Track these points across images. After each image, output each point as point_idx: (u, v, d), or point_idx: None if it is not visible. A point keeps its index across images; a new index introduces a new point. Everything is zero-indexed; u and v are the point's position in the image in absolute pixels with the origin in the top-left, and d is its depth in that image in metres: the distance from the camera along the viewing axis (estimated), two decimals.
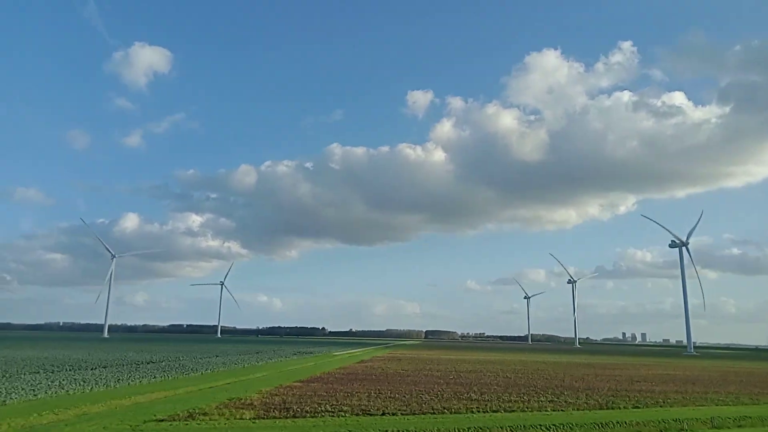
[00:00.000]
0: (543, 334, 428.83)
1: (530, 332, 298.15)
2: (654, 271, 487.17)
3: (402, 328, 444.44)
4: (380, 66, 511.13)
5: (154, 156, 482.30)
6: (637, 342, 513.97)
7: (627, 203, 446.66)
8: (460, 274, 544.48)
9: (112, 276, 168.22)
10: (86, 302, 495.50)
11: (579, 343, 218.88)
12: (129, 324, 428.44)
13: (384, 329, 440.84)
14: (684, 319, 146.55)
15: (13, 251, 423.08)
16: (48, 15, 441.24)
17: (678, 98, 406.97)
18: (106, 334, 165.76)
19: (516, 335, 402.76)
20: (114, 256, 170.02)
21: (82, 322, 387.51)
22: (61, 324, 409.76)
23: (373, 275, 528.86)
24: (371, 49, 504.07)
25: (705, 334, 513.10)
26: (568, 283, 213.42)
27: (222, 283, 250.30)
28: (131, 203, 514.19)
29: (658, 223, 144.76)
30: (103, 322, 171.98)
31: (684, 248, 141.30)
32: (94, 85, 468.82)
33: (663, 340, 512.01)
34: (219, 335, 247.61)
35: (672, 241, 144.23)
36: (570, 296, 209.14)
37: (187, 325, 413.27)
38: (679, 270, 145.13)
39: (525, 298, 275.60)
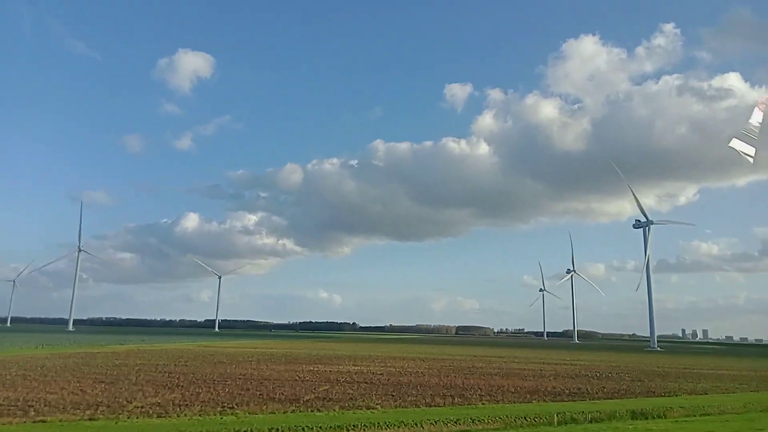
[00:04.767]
0: (586, 331, 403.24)
1: (545, 328, 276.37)
2: (721, 264, 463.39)
3: (432, 324, 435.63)
4: (415, 60, 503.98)
5: (205, 157, 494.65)
6: (698, 339, 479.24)
7: (687, 193, 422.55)
8: (516, 269, 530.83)
9: (77, 269, 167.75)
10: (154, 299, 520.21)
11: (582, 338, 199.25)
12: (167, 319, 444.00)
13: (413, 324, 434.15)
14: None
15: (87, 251, 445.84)
16: (96, 26, 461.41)
17: (730, 80, 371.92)
18: (71, 327, 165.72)
19: (564, 330, 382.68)
20: (80, 251, 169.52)
21: (143, 317, 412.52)
22: (104, 318, 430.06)
23: (428, 271, 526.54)
24: (406, 44, 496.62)
25: None
26: (567, 272, 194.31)
27: (220, 277, 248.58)
28: (188, 203, 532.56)
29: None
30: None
31: (647, 229, 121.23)
32: (143, 92, 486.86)
33: (726, 337, 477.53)
34: (217, 329, 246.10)
35: (636, 221, 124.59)
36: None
37: (222, 320, 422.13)
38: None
39: (540, 291, 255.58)
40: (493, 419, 19.66)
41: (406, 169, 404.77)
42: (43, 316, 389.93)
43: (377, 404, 22.57)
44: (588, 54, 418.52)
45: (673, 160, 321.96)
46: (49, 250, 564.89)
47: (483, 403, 23.71)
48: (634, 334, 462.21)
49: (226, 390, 25.85)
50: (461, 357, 61.65)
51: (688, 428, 16.52)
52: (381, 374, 36.29)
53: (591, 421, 19.76)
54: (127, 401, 21.59)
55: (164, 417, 18.68)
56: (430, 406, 22.57)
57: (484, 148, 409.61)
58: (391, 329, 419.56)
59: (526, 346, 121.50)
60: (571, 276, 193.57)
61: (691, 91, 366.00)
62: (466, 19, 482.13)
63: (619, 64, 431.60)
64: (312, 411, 20.60)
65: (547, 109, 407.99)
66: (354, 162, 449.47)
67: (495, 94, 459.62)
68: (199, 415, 19.17)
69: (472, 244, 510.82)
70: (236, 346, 74.93)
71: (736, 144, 61.29)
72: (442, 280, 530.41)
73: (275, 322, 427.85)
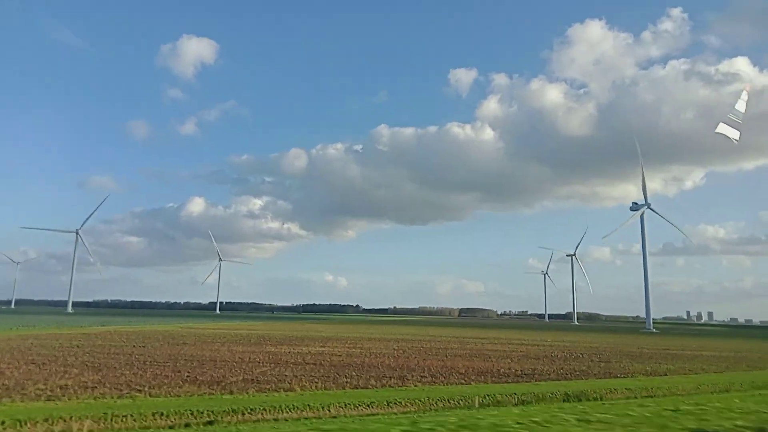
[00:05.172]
0: (589, 313, 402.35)
1: (547, 310, 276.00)
2: (728, 248, 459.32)
3: (435, 306, 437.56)
4: (420, 45, 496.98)
5: (209, 142, 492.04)
6: (702, 321, 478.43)
7: (694, 177, 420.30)
8: (521, 252, 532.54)
9: (76, 252, 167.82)
10: (161, 282, 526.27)
11: (584, 320, 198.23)
12: (172, 301, 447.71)
13: (417, 307, 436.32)
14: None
15: (95, 235, 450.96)
16: (99, 13, 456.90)
17: (738, 64, 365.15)
18: (70, 309, 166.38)
19: (567, 312, 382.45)
20: (78, 235, 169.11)
21: (148, 300, 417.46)
22: (109, 301, 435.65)
23: (433, 255, 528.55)
24: (410, 28, 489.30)
25: None
26: (567, 256, 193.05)
27: (220, 260, 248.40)
28: (194, 188, 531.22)
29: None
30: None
31: (644, 213, 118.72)
32: (148, 78, 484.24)
33: (730, 319, 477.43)
34: (218, 311, 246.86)
35: (633, 203, 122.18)
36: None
37: (226, 303, 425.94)
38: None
39: (542, 273, 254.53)
40: (412, 402, 18.36)
41: (410, 153, 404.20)
42: (49, 299, 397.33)
43: (302, 386, 21.33)
44: (594, 39, 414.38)
45: (679, 144, 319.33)
46: (57, 234, 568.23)
47: (416, 385, 22.45)
48: (637, 317, 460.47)
49: (155, 372, 24.68)
50: (441, 338, 60.57)
51: (603, 409, 15.09)
52: (339, 355, 35.16)
53: (516, 404, 18.40)
54: (33, 383, 20.42)
55: (54, 400, 17.48)
56: (357, 388, 21.30)
57: (488, 133, 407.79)
58: (395, 311, 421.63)
59: (521, 328, 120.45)
60: (571, 258, 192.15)
61: (698, 75, 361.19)
62: (471, 4, 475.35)
63: (625, 49, 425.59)
64: (223, 394, 19.38)
65: (553, 94, 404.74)
66: (358, 147, 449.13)
67: (500, 79, 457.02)
68: (94, 398, 17.97)
69: (477, 227, 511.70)
70: (220, 328, 74.27)
71: (722, 129, 59.03)
72: (447, 263, 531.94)
73: (280, 304, 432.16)
